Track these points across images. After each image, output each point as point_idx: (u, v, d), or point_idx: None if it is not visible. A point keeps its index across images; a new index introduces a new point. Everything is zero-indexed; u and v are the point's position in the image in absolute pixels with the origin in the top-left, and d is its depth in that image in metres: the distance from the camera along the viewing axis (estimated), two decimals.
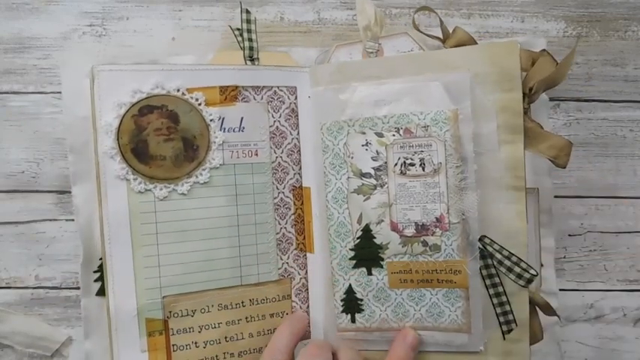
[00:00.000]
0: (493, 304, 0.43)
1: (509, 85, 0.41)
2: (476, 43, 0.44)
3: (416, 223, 0.43)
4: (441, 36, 0.45)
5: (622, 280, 0.52)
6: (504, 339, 0.43)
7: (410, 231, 0.43)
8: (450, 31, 0.45)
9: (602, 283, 0.52)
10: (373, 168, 0.43)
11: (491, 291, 0.43)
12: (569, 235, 0.51)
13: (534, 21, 0.50)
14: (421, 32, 0.46)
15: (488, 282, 0.43)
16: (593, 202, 0.51)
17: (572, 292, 0.49)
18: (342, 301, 0.45)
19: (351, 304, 0.45)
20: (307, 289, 0.47)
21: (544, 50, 0.44)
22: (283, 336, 0.43)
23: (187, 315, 0.43)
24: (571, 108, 0.50)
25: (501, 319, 0.43)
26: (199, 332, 0.43)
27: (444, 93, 0.42)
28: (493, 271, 0.43)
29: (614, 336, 0.52)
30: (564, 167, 0.43)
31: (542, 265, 0.47)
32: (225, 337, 0.44)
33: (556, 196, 0.50)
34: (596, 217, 0.52)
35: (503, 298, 0.43)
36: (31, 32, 0.49)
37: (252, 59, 0.45)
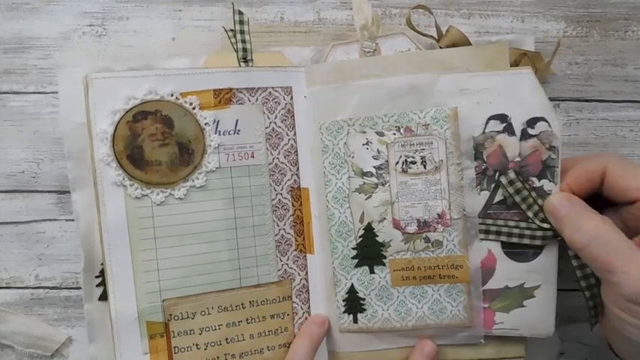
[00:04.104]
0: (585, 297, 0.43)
1: None
2: (469, 42, 0.45)
3: (418, 220, 0.44)
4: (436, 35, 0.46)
5: None
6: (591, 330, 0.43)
7: (412, 228, 0.44)
8: (444, 31, 0.46)
9: None
10: (374, 167, 0.44)
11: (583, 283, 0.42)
12: None
13: (534, 21, 0.49)
14: (415, 30, 0.46)
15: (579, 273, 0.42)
16: None
17: (572, 292, 0.49)
18: (344, 301, 0.45)
19: (353, 303, 0.45)
20: (308, 290, 0.47)
21: (524, 54, 0.45)
22: (303, 343, 0.44)
23: (187, 317, 0.43)
24: (571, 108, 0.50)
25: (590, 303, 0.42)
26: (200, 334, 0.43)
27: (444, 91, 0.42)
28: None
29: None
30: None
31: None
32: (226, 339, 0.44)
33: None
34: None
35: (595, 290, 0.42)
36: (31, 32, 0.49)
37: (245, 61, 0.45)
